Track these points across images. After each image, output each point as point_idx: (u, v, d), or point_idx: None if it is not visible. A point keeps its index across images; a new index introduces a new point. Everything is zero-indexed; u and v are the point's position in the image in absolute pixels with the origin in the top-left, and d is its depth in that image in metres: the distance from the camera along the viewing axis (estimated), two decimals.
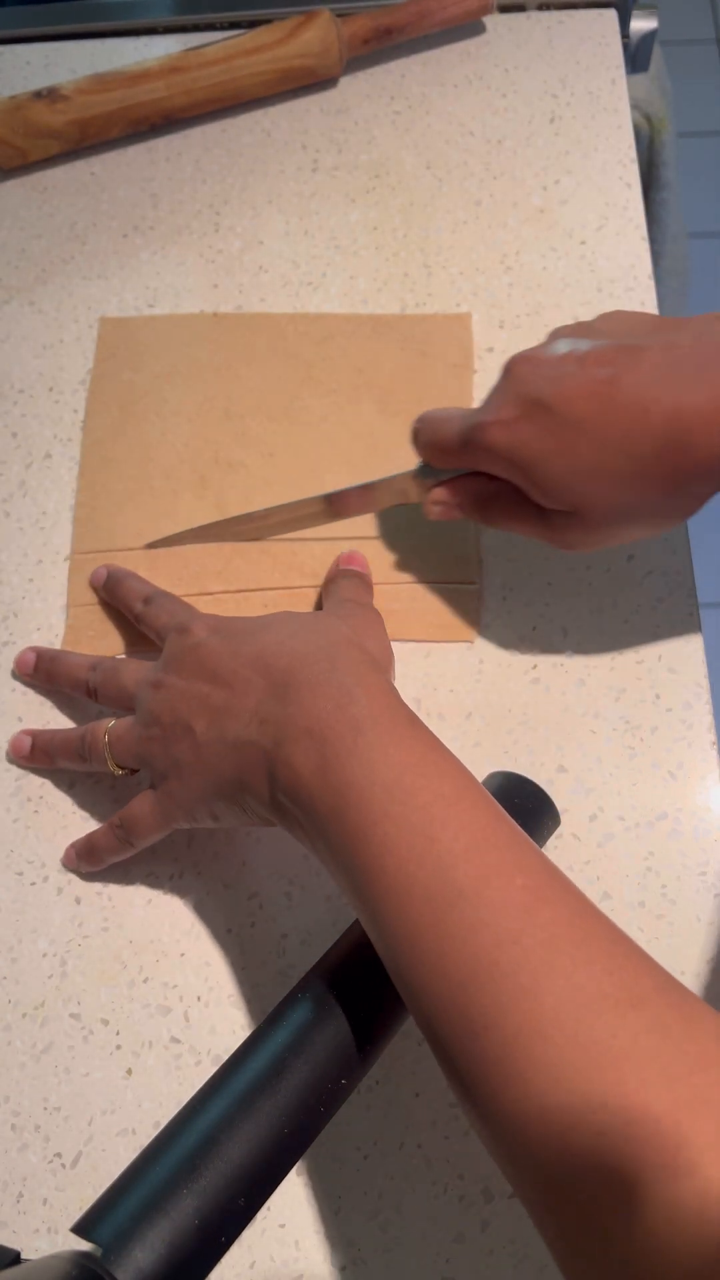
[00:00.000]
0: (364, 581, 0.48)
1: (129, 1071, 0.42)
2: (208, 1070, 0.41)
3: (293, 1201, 0.39)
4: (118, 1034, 0.42)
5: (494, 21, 0.65)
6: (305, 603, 0.49)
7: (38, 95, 0.59)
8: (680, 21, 1.78)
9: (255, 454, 0.53)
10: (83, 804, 0.46)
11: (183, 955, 0.44)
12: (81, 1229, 0.29)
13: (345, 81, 0.64)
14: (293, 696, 0.36)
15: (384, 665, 0.41)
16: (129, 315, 0.57)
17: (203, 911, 0.44)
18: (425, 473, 0.45)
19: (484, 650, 0.48)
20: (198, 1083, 0.38)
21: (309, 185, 0.60)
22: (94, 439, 0.54)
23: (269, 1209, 0.39)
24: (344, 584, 0.47)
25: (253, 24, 0.64)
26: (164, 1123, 0.32)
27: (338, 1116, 0.33)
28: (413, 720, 0.36)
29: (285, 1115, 0.32)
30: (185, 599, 0.47)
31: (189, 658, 0.41)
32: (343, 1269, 0.39)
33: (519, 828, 0.34)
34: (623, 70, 0.63)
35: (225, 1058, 0.34)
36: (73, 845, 0.45)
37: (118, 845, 0.43)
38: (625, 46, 0.64)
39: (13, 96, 0.60)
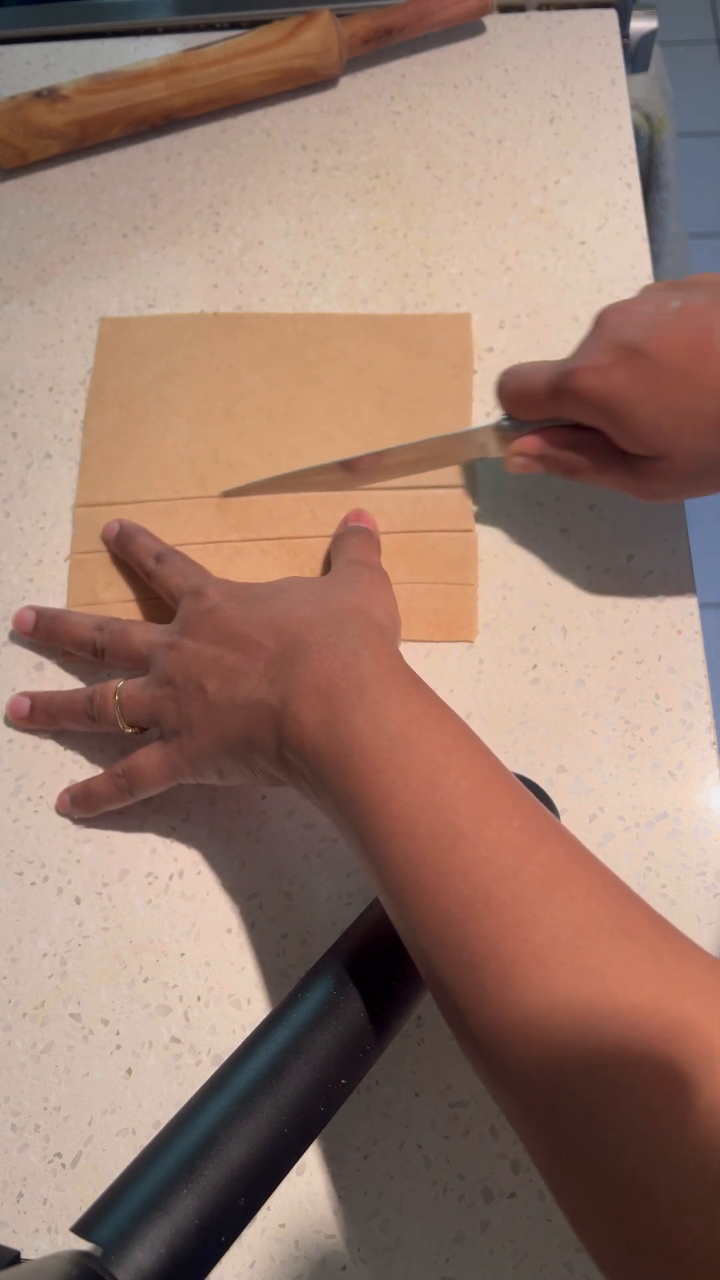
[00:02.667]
0: (372, 539, 0.48)
1: (129, 1071, 0.42)
2: (208, 1070, 0.41)
3: (293, 1201, 0.39)
4: (118, 1034, 0.42)
5: (494, 22, 0.65)
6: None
7: (38, 95, 0.59)
8: (680, 21, 1.78)
9: (255, 454, 0.53)
10: None
11: (183, 955, 0.44)
12: (81, 1229, 0.29)
13: (345, 82, 0.64)
14: (301, 658, 0.38)
15: (390, 631, 0.42)
16: (129, 315, 0.57)
17: (203, 911, 0.44)
18: (508, 426, 0.46)
19: (484, 650, 0.48)
20: (198, 1083, 0.38)
21: (309, 185, 0.60)
22: (94, 439, 0.54)
23: (269, 1209, 0.39)
24: (352, 542, 0.47)
25: (253, 24, 0.64)
26: (164, 1122, 0.32)
27: (338, 1116, 0.33)
28: (415, 679, 0.37)
29: (285, 1115, 0.32)
30: (186, 548, 0.49)
31: (204, 622, 0.42)
32: (343, 1269, 0.39)
33: (516, 779, 0.35)
34: (623, 70, 0.63)
35: (225, 1058, 0.34)
36: (67, 790, 0.46)
37: (118, 794, 0.44)
38: (625, 46, 0.64)
39: (13, 96, 0.60)
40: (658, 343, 0.40)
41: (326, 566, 0.50)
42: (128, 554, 0.49)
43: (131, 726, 0.44)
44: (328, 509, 0.51)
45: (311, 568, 0.50)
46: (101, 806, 0.45)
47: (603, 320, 0.42)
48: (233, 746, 0.40)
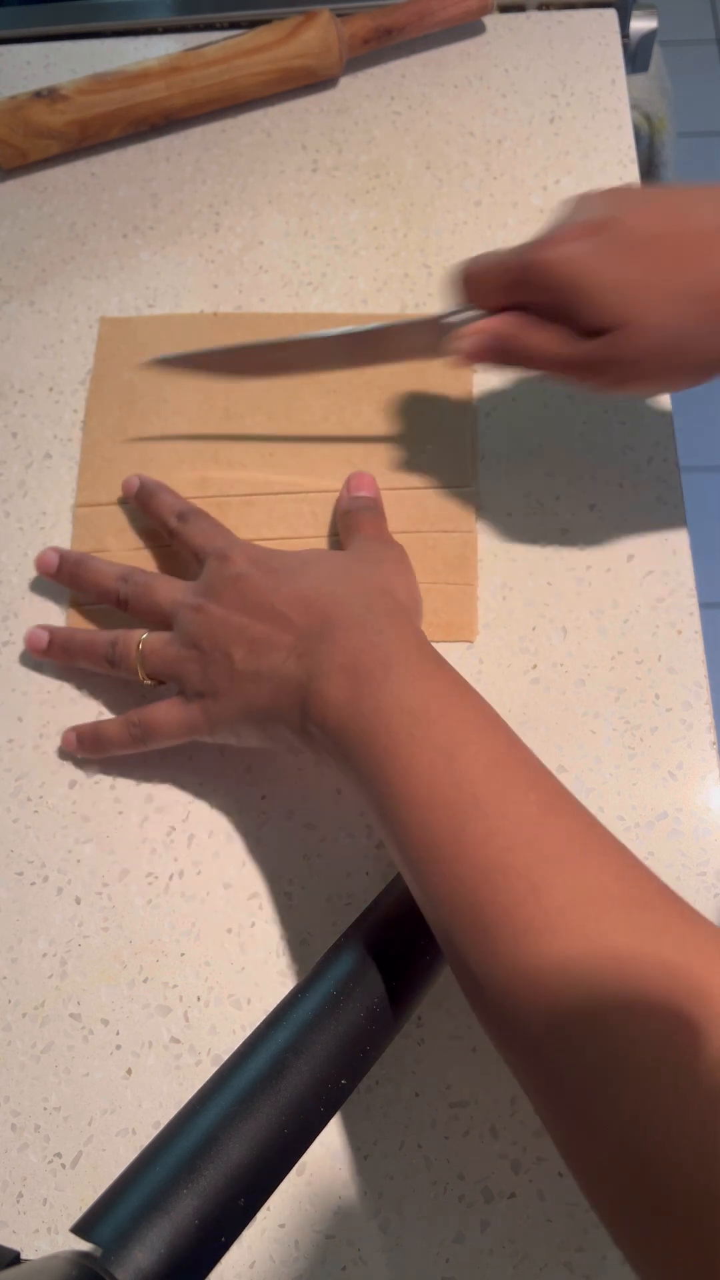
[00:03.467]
0: (380, 513, 0.49)
1: (129, 1071, 0.42)
2: (208, 1070, 0.41)
3: (293, 1201, 0.39)
4: (118, 1034, 0.42)
5: (494, 21, 0.65)
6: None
7: (38, 95, 0.59)
8: (680, 21, 1.78)
9: (255, 454, 0.53)
10: (82, 803, 0.46)
11: (183, 955, 0.44)
12: (81, 1229, 0.29)
13: (345, 81, 0.64)
14: (329, 636, 0.39)
15: (413, 610, 0.43)
16: (129, 315, 0.57)
17: (203, 911, 0.44)
18: (454, 321, 0.44)
19: (484, 650, 0.48)
20: (198, 1083, 0.38)
21: (309, 185, 0.60)
22: (94, 439, 0.54)
23: (269, 1209, 0.39)
24: (363, 519, 0.48)
25: (253, 24, 0.64)
26: (164, 1123, 0.32)
27: (338, 1116, 0.33)
28: (438, 658, 0.39)
29: (285, 1115, 0.32)
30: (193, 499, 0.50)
31: (230, 588, 0.42)
32: (343, 1269, 0.39)
33: (533, 754, 0.36)
34: (622, 70, 0.63)
35: (225, 1058, 0.34)
36: (74, 730, 0.46)
37: (130, 741, 0.45)
38: (625, 46, 0.64)
39: (13, 96, 0.60)
40: (630, 214, 0.39)
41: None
42: (149, 510, 0.50)
43: (150, 679, 0.45)
44: (328, 509, 0.51)
45: None
46: (109, 751, 0.46)
47: (576, 200, 0.42)
48: (255, 715, 0.41)
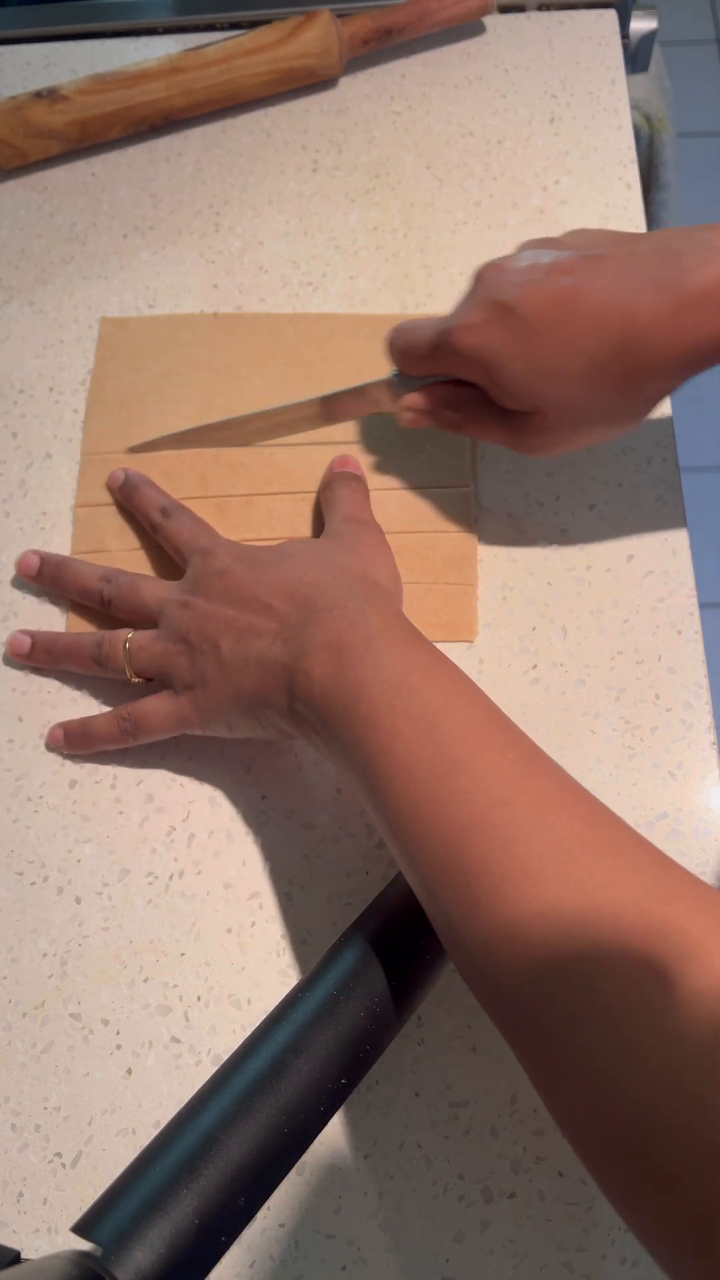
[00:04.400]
0: (361, 487, 0.50)
1: (129, 1071, 0.42)
2: (208, 1070, 0.41)
3: (293, 1201, 0.39)
4: (118, 1034, 0.42)
5: (494, 22, 0.65)
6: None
7: (38, 95, 0.59)
8: (680, 21, 1.78)
9: (255, 454, 0.53)
10: (82, 803, 0.47)
11: (183, 955, 0.44)
12: (81, 1229, 0.29)
13: (345, 82, 0.64)
14: (313, 619, 0.40)
15: (394, 593, 0.44)
16: (129, 315, 0.57)
17: (203, 911, 0.44)
18: (398, 382, 0.48)
19: (484, 650, 0.48)
20: (198, 1082, 0.38)
21: (309, 185, 0.60)
22: (94, 439, 0.54)
23: (269, 1209, 0.39)
24: (343, 495, 0.49)
25: (253, 24, 0.64)
26: (164, 1122, 0.32)
27: (338, 1116, 0.33)
28: (418, 634, 0.40)
29: (285, 1115, 0.32)
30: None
31: (216, 583, 0.44)
32: (343, 1269, 0.39)
33: (510, 719, 0.37)
34: (622, 70, 0.63)
35: (225, 1058, 0.34)
36: (61, 726, 0.47)
37: (119, 736, 0.45)
38: (625, 47, 0.64)
39: (13, 96, 0.60)
40: (527, 301, 0.41)
41: (317, 515, 0.51)
42: (133, 505, 0.50)
43: (138, 676, 0.45)
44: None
45: None
46: (97, 746, 0.46)
47: (479, 278, 0.43)
48: (244, 702, 0.42)
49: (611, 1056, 0.28)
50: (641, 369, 0.40)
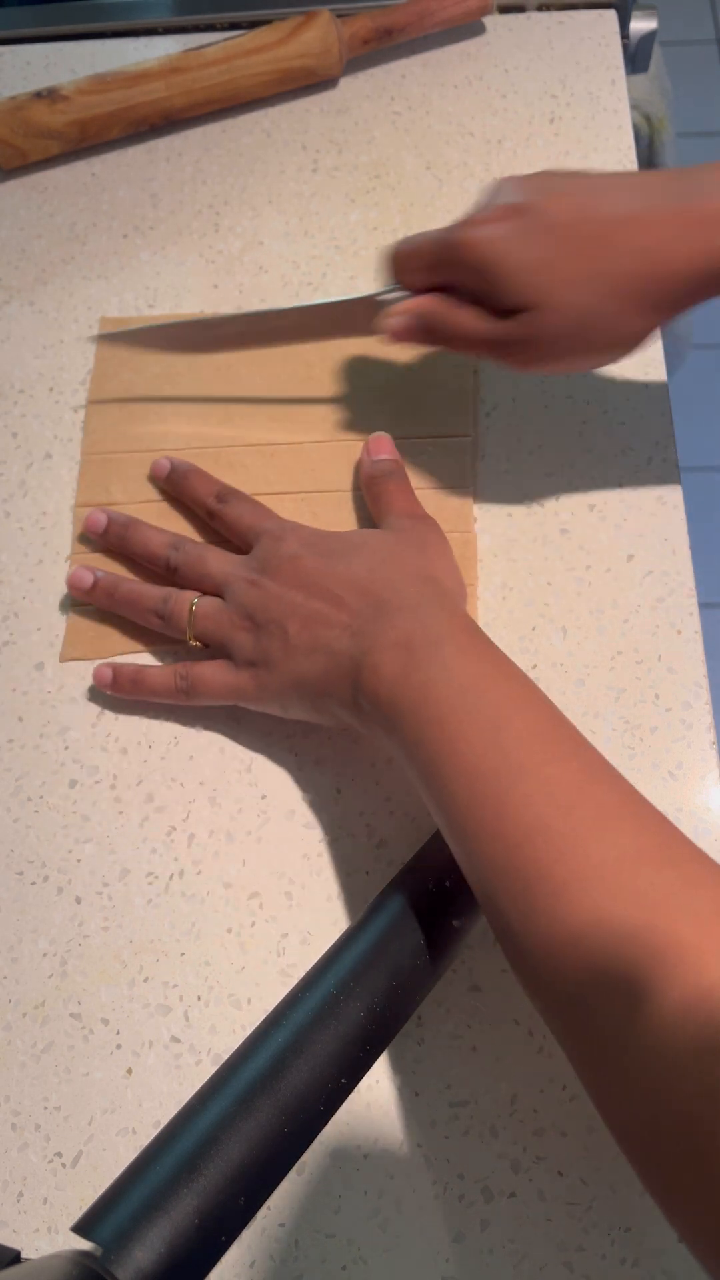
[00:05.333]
0: (407, 479, 0.49)
1: (129, 1071, 0.42)
2: (208, 1070, 0.41)
3: (293, 1201, 0.39)
4: (118, 1033, 0.42)
5: (494, 22, 0.65)
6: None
7: (38, 95, 0.59)
8: (680, 22, 1.78)
9: (255, 454, 0.53)
10: (82, 803, 0.47)
11: (183, 955, 0.44)
12: (82, 1228, 0.29)
13: (345, 82, 0.64)
14: (383, 616, 0.41)
15: (459, 595, 0.45)
16: (129, 315, 0.57)
17: (203, 911, 0.44)
18: (388, 300, 0.47)
19: None
20: (198, 1082, 0.38)
21: (309, 185, 0.60)
22: (94, 439, 0.54)
23: (269, 1209, 0.39)
24: (394, 491, 0.48)
25: (253, 24, 0.64)
26: (164, 1122, 0.32)
27: (338, 1116, 0.33)
28: (487, 640, 0.40)
29: (285, 1115, 0.32)
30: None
31: (286, 567, 0.44)
32: (343, 1269, 0.39)
33: (576, 728, 0.37)
34: (622, 71, 0.63)
35: (225, 1057, 0.34)
36: (111, 666, 0.47)
37: (173, 692, 0.46)
38: (625, 47, 0.64)
39: (13, 97, 0.60)
40: (543, 202, 0.42)
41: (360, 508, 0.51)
42: (183, 492, 0.51)
43: (197, 640, 0.46)
44: (329, 509, 0.51)
45: None
46: (146, 695, 0.47)
47: (497, 185, 0.44)
48: (307, 688, 0.42)
49: (664, 1066, 0.29)
50: (657, 279, 0.40)
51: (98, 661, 0.49)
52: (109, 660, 0.48)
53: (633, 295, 0.41)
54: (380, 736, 0.40)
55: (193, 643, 0.46)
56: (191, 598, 0.46)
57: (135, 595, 0.48)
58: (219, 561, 0.46)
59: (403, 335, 0.46)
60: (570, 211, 0.41)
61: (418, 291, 0.46)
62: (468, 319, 0.44)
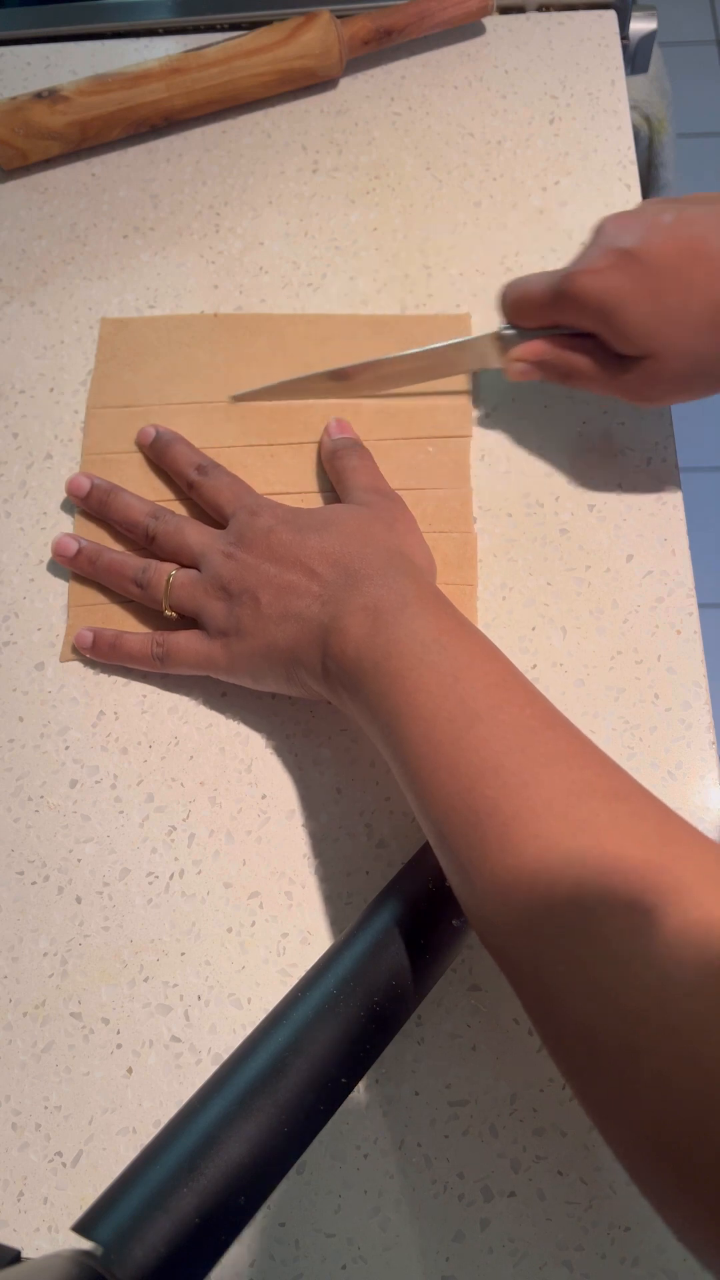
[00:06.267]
0: (367, 452, 0.51)
1: (129, 1070, 0.42)
2: (208, 1069, 0.41)
3: (293, 1201, 0.40)
4: (118, 1033, 0.43)
5: (494, 23, 0.65)
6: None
7: (38, 96, 0.59)
8: (680, 22, 1.78)
9: (256, 455, 0.53)
10: (82, 803, 0.47)
11: (183, 955, 0.44)
12: (82, 1228, 0.29)
13: (345, 83, 0.64)
14: (354, 586, 0.42)
15: (427, 570, 0.46)
16: (129, 316, 0.57)
17: (203, 911, 0.44)
18: (509, 336, 0.49)
19: None
20: (198, 1082, 0.38)
21: (309, 186, 0.61)
22: (94, 439, 0.54)
23: (269, 1208, 0.39)
24: (358, 466, 0.50)
25: (253, 25, 0.64)
26: (164, 1121, 0.32)
27: (338, 1116, 0.33)
28: (451, 605, 0.42)
29: (285, 1115, 0.32)
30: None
31: (260, 540, 0.46)
32: (343, 1268, 0.39)
33: (530, 682, 0.39)
34: (622, 71, 0.63)
35: (225, 1057, 0.34)
36: (91, 630, 0.49)
37: (148, 659, 0.48)
38: (625, 47, 0.64)
39: (13, 97, 0.60)
40: (651, 247, 0.42)
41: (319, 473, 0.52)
42: (165, 461, 0.52)
43: (173, 610, 0.47)
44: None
45: None
46: (123, 660, 0.48)
47: (601, 229, 0.44)
48: (276, 656, 0.44)
49: (608, 987, 0.30)
50: None
51: (98, 661, 0.49)
52: (92, 627, 0.49)
53: None
54: (346, 700, 0.41)
55: (168, 613, 0.48)
56: (170, 569, 0.48)
57: (117, 564, 0.49)
58: (197, 534, 0.48)
59: (526, 375, 0.48)
60: (679, 256, 0.42)
61: (534, 329, 0.48)
62: (585, 366, 0.46)
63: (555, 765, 0.34)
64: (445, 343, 0.51)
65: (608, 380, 0.46)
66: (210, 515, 0.50)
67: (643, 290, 0.42)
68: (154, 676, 0.49)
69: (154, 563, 0.48)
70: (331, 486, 0.51)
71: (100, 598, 0.50)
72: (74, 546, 0.50)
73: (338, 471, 0.50)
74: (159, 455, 0.52)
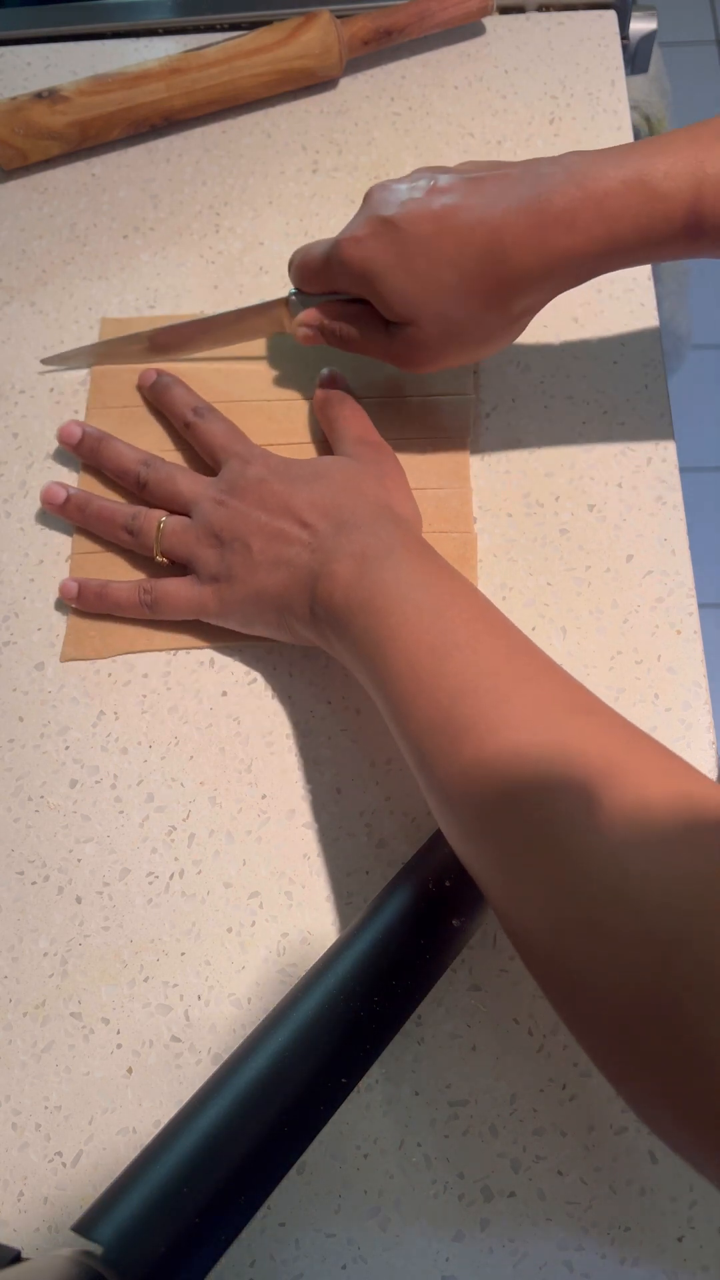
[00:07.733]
0: (359, 408, 0.51)
1: (129, 1070, 0.42)
2: (208, 1069, 0.41)
3: (293, 1201, 0.40)
4: (118, 1033, 0.43)
5: (494, 23, 0.65)
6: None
7: (38, 96, 0.59)
8: (680, 22, 1.78)
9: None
10: (82, 803, 0.47)
11: (183, 955, 0.44)
12: (82, 1228, 0.29)
13: (345, 83, 0.64)
14: (343, 534, 0.43)
15: (415, 524, 0.47)
16: (130, 316, 0.57)
17: (203, 911, 0.44)
18: (296, 301, 0.50)
19: None
20: (198, 1082, 0.38)
21: (309, 186, 0.61)
22: None
23: (269, 1208, 0.39)
24: (348, 416, 0.51)
25: (253, 25, 0.64)
26: (164, 1121, 0.32)
27: (338, 1116, 0.33)
28: (436, 553, 0.43)
29: (285, 1115, 0.32)
30: None
31: (252, 490, 0.47)
32: (343, 1268, 0.39)
33: (508, 618, 0.40)
34: (622, 71, 0.63)
35: (225, 1057, 0.34)
36: (76, 580, 0.49)
37: (136, 606, 0.48)
38: (625, 48, 0.64)
39: (13, 97, 0.60)
40: (407, 216, 0.44)
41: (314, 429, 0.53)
42: (163, 403, 0.53)
43: (164, 557, 0.48)
44: None
45: None
46: (110, 609, 0.49)
47: (368, 197, 0.46)
48: (265, 601, 0.45)
49: (559, 862, 0.31)
50: (507, 280, 0.43)
51: (98, 661, 0.49)
52: (76, 577, 0.50)
53: (486, 295, 0.44)
54: (333, 641, 0.43)
55: (159, 559, 0.48)
56: (160, 515, 0.48)
57: (107, 511, 0.50)
58: (188, 481, 0.49)
59: (307, 340, 0.50)
60: (431, 224, 0.43)
61: (316, 294, 0.49)
62: (356, 333, 0.48)
63: (530, 683, 0.36)
64: (241, 307, 0.53)
65: (379, 346, 0.48)
66: (203, 459, 0.51)
67: (398, 258, 0.44)
68: (155, 678, 0.49)
69: (144, 510, 0.49)
70: (324, 437, 0.52)
71: (96, 546, 0.51)
72: (62, 494, 0.51)
73: (329, 420, 0.51)
74: (157, 397, 0.53)
